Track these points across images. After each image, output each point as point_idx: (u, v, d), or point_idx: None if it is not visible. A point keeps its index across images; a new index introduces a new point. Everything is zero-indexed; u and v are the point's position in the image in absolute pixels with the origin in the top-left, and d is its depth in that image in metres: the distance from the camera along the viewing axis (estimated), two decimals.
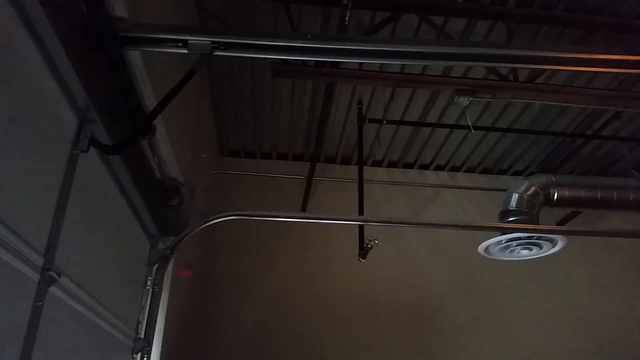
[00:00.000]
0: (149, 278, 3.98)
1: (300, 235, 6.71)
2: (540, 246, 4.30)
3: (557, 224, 7.00)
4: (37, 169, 2.25)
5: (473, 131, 5.04)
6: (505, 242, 4.26)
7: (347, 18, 3.83)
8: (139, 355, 3.76)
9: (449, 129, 6.41)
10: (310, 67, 4.04)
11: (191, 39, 2.81)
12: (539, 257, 4.75)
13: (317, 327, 6.31)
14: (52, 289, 2.36)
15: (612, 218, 7.17)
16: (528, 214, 4.62)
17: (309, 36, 3.37)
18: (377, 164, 7.45)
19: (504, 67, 3.80)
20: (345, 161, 7.38)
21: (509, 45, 3.63)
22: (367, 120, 5.53)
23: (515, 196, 4.77)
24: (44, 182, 2.32)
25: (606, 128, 6.08)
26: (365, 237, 4.36)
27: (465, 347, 6.48)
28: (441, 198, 7.32)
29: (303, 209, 6.85)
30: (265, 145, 7.07)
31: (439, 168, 7.51)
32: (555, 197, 4.76)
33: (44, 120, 2.30)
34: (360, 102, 5.67)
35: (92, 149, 2.68)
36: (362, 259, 4.24)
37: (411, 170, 7.47)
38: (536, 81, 4.42)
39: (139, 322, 3.86)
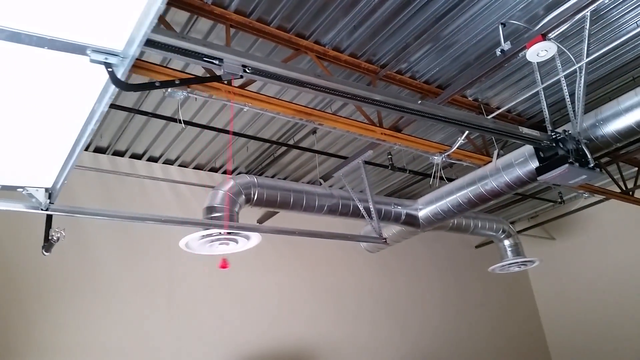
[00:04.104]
0: None
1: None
2: (237, 242, 4.57)
3: (258, 222, 7.64)
4: None
5: (185, 127, 5.04)
6: (205, 238, 4.36)
7: None
8: None
9: (165, 121, 6.26)
10: None
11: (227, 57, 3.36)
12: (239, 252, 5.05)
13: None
14: None
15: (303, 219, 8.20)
16: (230, 211, 4.87)
17: None
18: None
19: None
20: None
21: (224, 49, 3.73)
22: None
23: (220, 194, 4.96)
24: None
25: (304, 141, 6.96)
26: (52, 228, 3.81)
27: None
28: (150, 191, 7.10)
29: None
30: None
31: (153, 160, 7.29)
32: (255, 197, 5.16)
33: None
34: None
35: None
36: (47, 252, 3.69)
37: (121, 158, 7.03)
38: (248, 88, 4.70)
39: None
